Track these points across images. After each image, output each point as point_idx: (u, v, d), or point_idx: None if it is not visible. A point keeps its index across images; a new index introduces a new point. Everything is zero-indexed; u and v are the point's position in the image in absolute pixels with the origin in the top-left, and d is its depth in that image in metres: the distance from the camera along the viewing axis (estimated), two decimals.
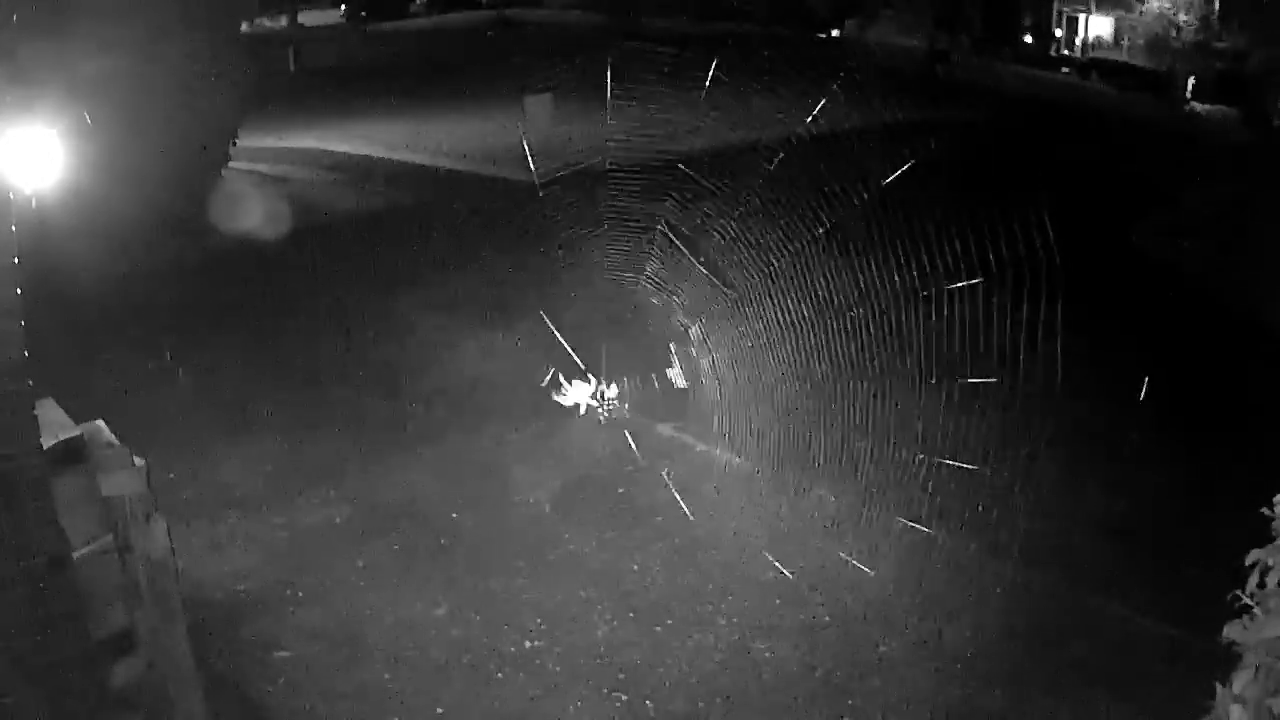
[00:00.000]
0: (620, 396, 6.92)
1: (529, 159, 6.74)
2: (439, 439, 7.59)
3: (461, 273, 10.52)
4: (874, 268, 5.71)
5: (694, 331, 6.45)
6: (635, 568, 6.18)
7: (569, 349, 6.61)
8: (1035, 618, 5.70)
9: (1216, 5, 26.37)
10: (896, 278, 5.69)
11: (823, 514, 6.30)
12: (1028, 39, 30.04)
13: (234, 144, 13.38)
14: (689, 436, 7.26)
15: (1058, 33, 30.61)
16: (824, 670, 5.31)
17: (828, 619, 5.64)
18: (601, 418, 6.50)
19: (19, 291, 3.24)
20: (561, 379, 6.48)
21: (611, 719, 5.02)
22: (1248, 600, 2.82)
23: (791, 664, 5.37)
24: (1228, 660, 2.80)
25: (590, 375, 6.51)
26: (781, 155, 5.93)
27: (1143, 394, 7.22)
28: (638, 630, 5.61)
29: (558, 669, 5.30)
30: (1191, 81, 25.95)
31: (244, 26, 16.14)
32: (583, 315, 6.99)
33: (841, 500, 6.27)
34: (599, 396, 6.64)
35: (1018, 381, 5.37)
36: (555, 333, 6.60)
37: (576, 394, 6.54)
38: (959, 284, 5.33)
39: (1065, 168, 14.41)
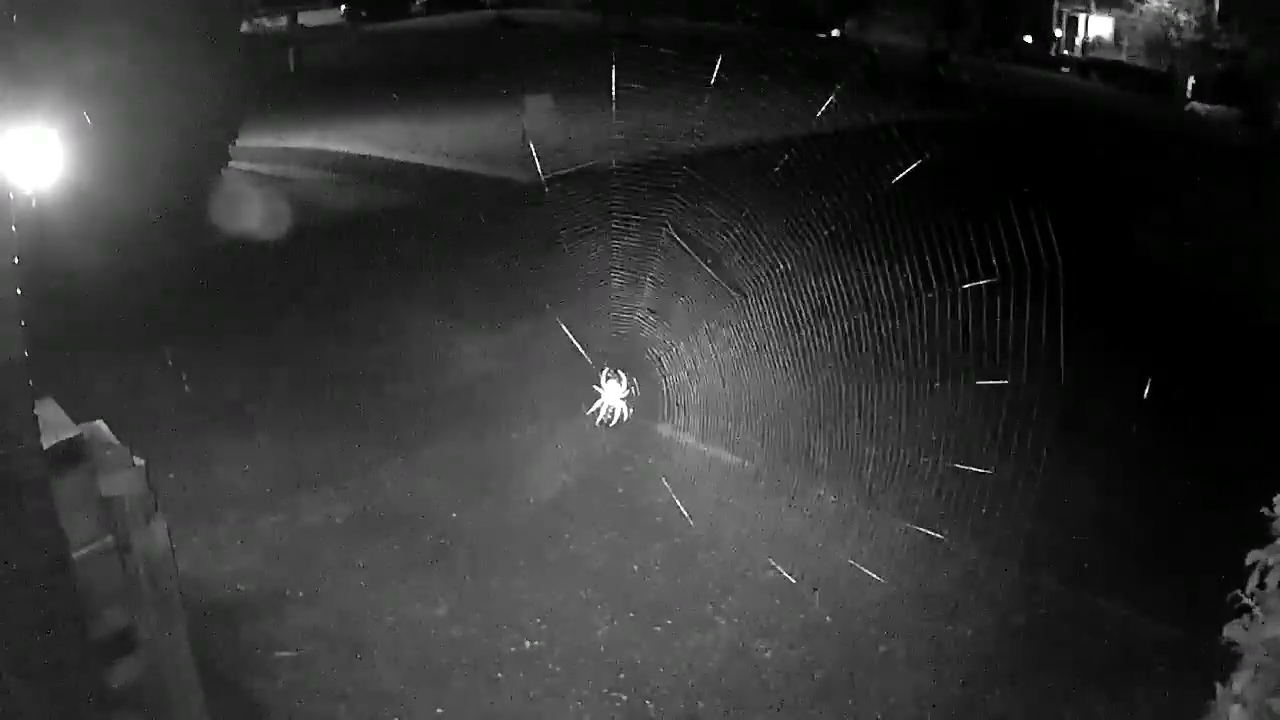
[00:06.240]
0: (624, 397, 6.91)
1: (531, 159, 6.74)
2: (439, 439, 7.59)
3: (462, 273, 10.51)
4: (877, 268, 5.71)
5: (698, 332, 6.44)
6: (635, 568, 6.18)
7: (581, 349, 6.60)
8: (1036, 617, 5.71)
9: (1216, 5, 26.36)
10: (898, 279, 5.69)
11: (824, 514, 6.30)
12: (1028, 39, 30.02)
13: (234, 144, 13.38)
14: (689, 436, 7.26)
15: (1058, 33, 30.61)
16: (824, 670, 5.31)
17: (828, 619, 5.63)
18: (605, 417, 6.49)
19: (19, 291, 3.24)
20: (603, 378, 6.46)
21: (611, 719, 5.02)
22: (1248, 600, 2.82)
23: (791, 664, 5.37)
24: (1228, 660, 2.80)
25: (622, 374, 6.48)
26: (786, 156, 5.93)
27: (1145, 394, 7.22)
28: (638, 630, 5.61)
29: (558, 669, 5.30)
30: (1191, 81, 25.93)
31: (244, 26, 16.14)
32: (586, 315, 6.99)
33: (842, 501, 6.27)
34: (630, 397, 6.60)
35: (1019, 382, 5.37)
36: (568, 333, 6.59)
37: (610, 394, 6.53)
38: (961, 285, 5.34)
39: (1065, 168, 14.40)
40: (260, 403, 7.98)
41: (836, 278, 5.80)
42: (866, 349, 5.76)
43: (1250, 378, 8.79)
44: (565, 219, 6.48)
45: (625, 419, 6.46)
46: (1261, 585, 2.81)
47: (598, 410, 6.45)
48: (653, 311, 6.43)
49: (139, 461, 3.91)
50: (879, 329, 5.71)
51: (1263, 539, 2.84)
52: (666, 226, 6.22)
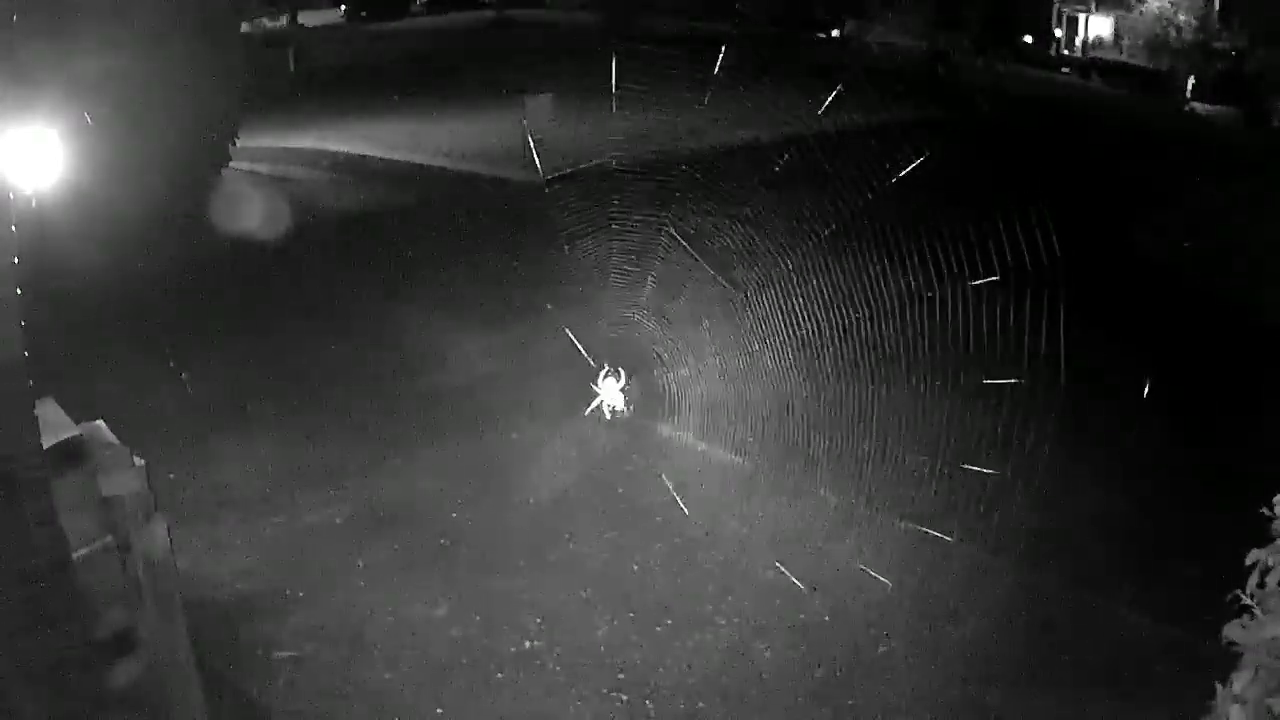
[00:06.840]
0: (623, 389, 6.92)
1: (531, 159, 6.75)
2: (439, 439, 7.59)
3: (462, 273, 10.52)
4: (877, 268, 5.71)
5: (699, 331, 6.46)
6: (635, 568, 6.18)
7: (581, 349, 6.61)
8: (1036, 617, 5.70)
9: (1216, 5, 26.33)
10: (898, 278, 5.70)
11: (823, 514, 6.29)
12: (1028, 39, 29.99)
13: (234, 144, 13.39)
14: (689, 436, 7.26)
15: (1058, 33, 30.59)
16: (824, 670, 5.30)
17: (828, 619, 5.63)
18: (606, 415, 6.50)
19: (19, 291, 3.23)
20: (601, 376, 6.47)
21: (611, 719, 5.01)
22: (1248, 600, 2.82)
23: (791, 664, 5.36)
24: (1228, 660, 2.80)
25: (621, 371, 6.49)
26: (786, 156, 5.94)
27: (1144, 394, 7.22)
28: (638, 630, 5.60)
29: (558, 669, 5.30)
30: (1191, 81, 25.91)
31: (244, 26, 16.15)
32: (586, 315, 7.00)
33: (842, 500, 6.26)
34: (626, 394, 6.61)
35: (1019, 382, 5.38)
36: (568, 332, 6.60)
37: (607, 391, 6.53)
38: (961, 285, 5.34)
39: (1065, 168, 14.40)
40: (260, 403, 7.98)
41: (837, 276, 5.81)
42: (867, 348, 5.77)
43: (1250, 378, 8.79)
44: (566, 219, 6.49)
45: (624, 415, 6.47)
46: (1261, 585, 2.81)
47: (598, 406, 6.46)
48: (653, 310, 6.44)
49: (139, 461, 3.91)
50: (879, 328, 5.72)
51: (1263, 539, 2.84)
52: (667, 225, 6.23)
